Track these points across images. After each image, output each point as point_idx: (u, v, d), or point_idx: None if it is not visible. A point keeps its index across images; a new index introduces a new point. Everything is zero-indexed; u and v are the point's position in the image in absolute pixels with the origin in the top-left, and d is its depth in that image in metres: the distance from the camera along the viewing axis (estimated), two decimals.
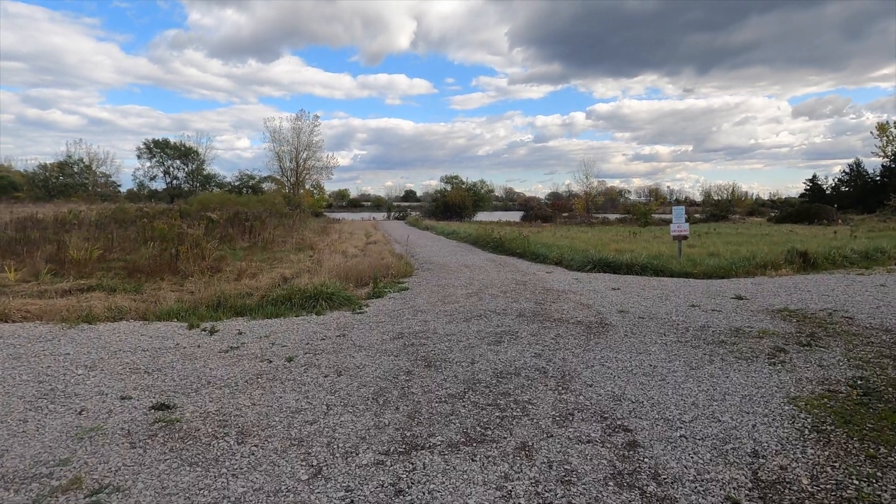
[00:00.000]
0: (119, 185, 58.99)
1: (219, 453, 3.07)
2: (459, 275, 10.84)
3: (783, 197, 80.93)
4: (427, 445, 3.16)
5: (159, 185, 50.14)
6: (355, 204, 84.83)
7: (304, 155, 50.29)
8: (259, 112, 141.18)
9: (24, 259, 11.50)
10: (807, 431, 3.44)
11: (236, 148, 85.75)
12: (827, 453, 3.14)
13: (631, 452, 3.12)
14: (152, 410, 3.74)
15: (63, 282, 9.71)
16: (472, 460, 2.97)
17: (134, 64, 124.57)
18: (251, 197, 35.81)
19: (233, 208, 24.01)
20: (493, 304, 7.57)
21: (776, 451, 3.17)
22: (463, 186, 52.61)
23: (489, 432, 3.35)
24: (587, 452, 3.10)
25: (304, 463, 2.94)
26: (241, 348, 5.42)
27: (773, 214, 50.13)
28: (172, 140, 50.60)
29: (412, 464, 2.93)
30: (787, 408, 3.82)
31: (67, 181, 54.02)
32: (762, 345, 5.44)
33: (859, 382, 4.33)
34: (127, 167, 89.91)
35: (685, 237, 13.00)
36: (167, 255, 11.51)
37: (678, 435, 3.36)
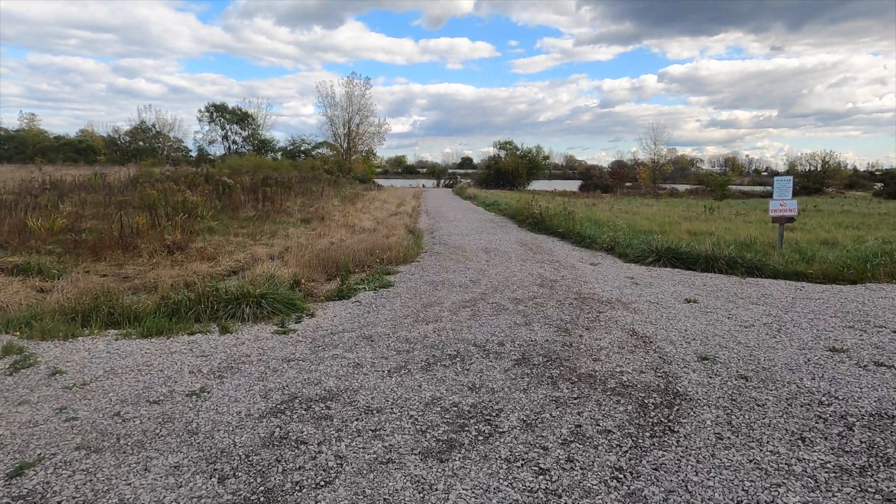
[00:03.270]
0: (190, 151, 60.07)
1: None
2: (470, 264, 7.96)
3: (883, 168, 69.26)
4: None
5: (217, 149, 50.10)
6: (411, 171, 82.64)
7: (357, 119, 47.98)
8: (323, 79, 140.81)
9: None
10: None
11: (301, 114, 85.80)
12: None
13: None
14: None
15: None
16: None
17: (209, 33, 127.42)
18: (285, 161, 34.08)
19: (263, 173, 22.17)
20: (488, 329, 4.68)
21: None
22: (517, 153, 48.45)
23: None
24: None
25: None
26: None
27: (877, 188, 42.35)
28: (231, 105, 50.08)
29: None
30: None
31: (139, 146, 55.45)
32: None
33: None
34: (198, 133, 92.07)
35: (791, 219, 9.25)
36: (127, 227, 9.45)
37: None
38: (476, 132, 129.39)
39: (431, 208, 19.87)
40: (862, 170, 70.55)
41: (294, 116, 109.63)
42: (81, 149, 53.31)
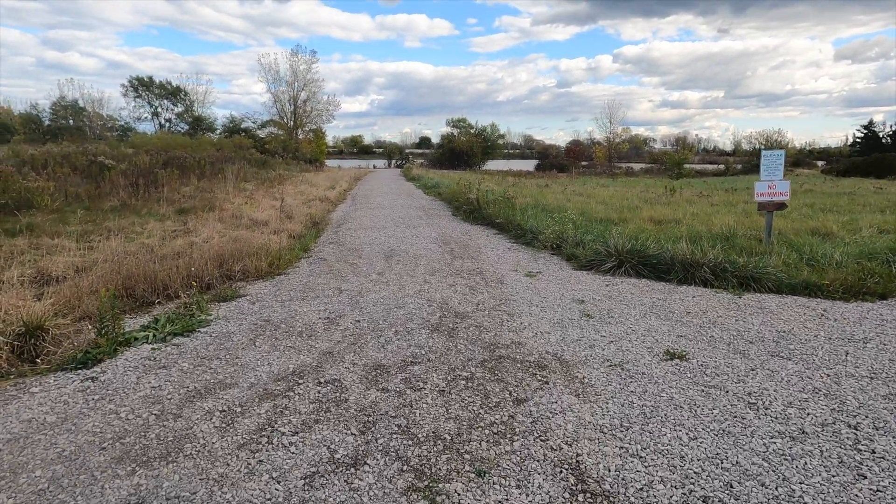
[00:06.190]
0: (128, 130, 53.71)
1: None
2: (352, 281, 5.32)
3: (819, 147, 70.57)
4: None
5: (148, 127, 44.76)
6: (367, 151, 78.48)
7: (303, 95, 43.74)
8: (267, 51, 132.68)
9: None
10: None
11: (253, 92, 78.78)
12: None
13: None
14: None
15: None
16: None
17: (150, 4, 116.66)
18: (205, 139, 30.07)
19: (173, 152, 18.58)
20: (252, 496, 2.07)
21: None
22: (472, 131, 45.60)
23: None
24: None
25: None
26: None
27: (821, 165, 42.12)
28: (160, 80, 44.58)
29: None
30: None
31: (65, 124, 49.18)
32: None
33: None
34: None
35: (782, 206, 7.04)
36: None
37: None
38: (435, 112, 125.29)
39: (363, 192, 17.00)
40: (799, 147, 71.65)
41: (245, 94, 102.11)
42: None
